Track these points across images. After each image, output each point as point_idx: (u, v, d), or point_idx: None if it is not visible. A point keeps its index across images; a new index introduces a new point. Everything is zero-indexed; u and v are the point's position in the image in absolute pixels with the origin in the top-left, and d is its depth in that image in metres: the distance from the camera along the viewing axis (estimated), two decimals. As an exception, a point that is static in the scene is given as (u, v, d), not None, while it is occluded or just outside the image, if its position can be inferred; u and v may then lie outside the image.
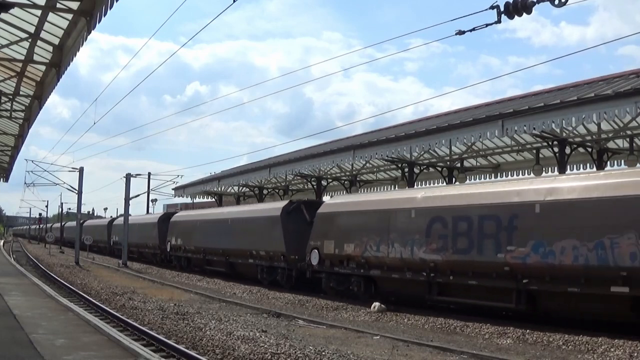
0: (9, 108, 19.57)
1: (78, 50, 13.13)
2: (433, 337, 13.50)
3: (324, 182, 33.53)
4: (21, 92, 17.93)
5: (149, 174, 52.02)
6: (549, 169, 23.69)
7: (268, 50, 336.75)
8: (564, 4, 7.89)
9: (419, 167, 26.75)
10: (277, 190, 39.36)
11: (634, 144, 20.91)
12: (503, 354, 11.40)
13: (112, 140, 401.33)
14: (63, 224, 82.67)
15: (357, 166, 30.28)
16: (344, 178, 33.04)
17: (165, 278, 29.84)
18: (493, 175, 27.05)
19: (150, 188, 50.84)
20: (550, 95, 20.13)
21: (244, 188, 39.25)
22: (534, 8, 8.17)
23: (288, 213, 23.78)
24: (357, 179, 32.18)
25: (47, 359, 8.80)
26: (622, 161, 22.15)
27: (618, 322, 13.16)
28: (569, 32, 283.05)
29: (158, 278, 29.59)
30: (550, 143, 20.59)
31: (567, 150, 20.67)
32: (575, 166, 23.06)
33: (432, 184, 28.27)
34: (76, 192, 41.34)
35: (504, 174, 26.66)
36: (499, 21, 8.43)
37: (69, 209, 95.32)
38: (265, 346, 11.01)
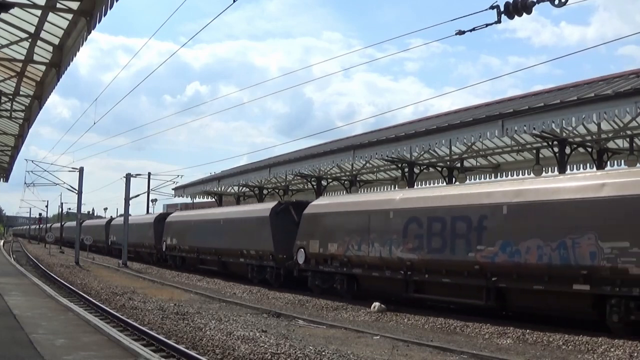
0: (9, 108, 19.57)
1: (78, 50, 13.12)
2: (433, 337, 13.50)
3: (324, 182, 33.53)
4: (21, 92, 17.93)
5: (149, 174, 52.10)
6: (549, 169, 23.68)
7: (268, 50, 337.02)
8: (564, 4, 7.89)
9: (419, 167, 26.74)
10: (277, 190, 39.36)
11: (634, 144, 20.91)
12: (503, 354, 11.40)
13: (112, 140, 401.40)
14: (62, 224, 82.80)
15: (357, 166, 30.28)
16: (344, 178, 33.04)
17: (165, 278, 29.84)
18: (493, 175, 27.05)
19: (150, 188, 50.89)
20: (550, 95, 20.13)
21: (244, 188, 39.26)
22: (534, 8, 8.17)
23: (277, 214, 24.53)
24: (357, 179, 32.19)
25: (47, 359, 8.80)
26: (622, 161, 22.16)
27: (580, 319, 13.84)
28: (569, 32, 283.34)
29: (158, 278, 29.60)
30: (550, 143, 20.59)
31: (567, 150, 20.66)
32: (575, 166, 23.06)
33: (432, 184, 28.28)
34: (76, 192, 41.35)
35: (504, 174, 26.65)
36: (499, 21, 8.43)
37: (69, 209, 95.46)
38: (265, 346, 11.01)
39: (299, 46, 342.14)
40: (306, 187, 36.21)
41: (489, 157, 26.50)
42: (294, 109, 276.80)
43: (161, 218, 39.49)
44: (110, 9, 10.54)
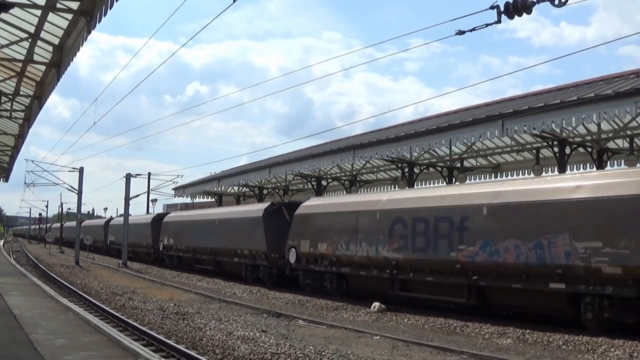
0: (9, 108, 19.56)
1: (78, 50, 13.12)
2: (433, 337, 13.50)
3: (324, 182, 33.54)
4: (21, 92, 17.93)
5: (149, 174, 52.06)
6: (549, 169, 23.69)
7: (268, 50, 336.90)
8: (564, 4, 7.89)
9: (419, 167, 26.75)
10: (277, 190, 39.36)
11: (634, 144, 20.92)
12: (503, 354, 11.40)
13: (112, 140, 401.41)
14: (62, 224, 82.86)
15: (357, 166, 30.29)
16: (344, 178, 33.05)
17: (165, 278, 29.85)
18: (493, 175, 27.06)
19: (150, 188, 50.88)
20: (550, 95, 20.13)
21: (244, 188, 39.26)
22: (534, 8, 8.17)
23: (269, 214, 25.11)
24: (357, 179, 32.19)
25: (47, 359, 8.80)
26: (622, 161, 22.16)
27: (557, 317, 14.25)
28: (569, 32, 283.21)
29: (158, 278, 29.60)
30: (550, 143, 20.59)
31: (567, 150, 20.67)
32: (575, 166, 23.07)
33: (432, 184, 28.30)
34: (76, 192, 41.34)
35: (504, 174, 26.66)
36: (499, 21, 8.43)
37: (69, 209, 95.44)
38: (265, 346, 11.01)
39: (299, 46, 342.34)
40: (306, 187, 36.21)
41: (489, 157, 26.51)
42: (294, 109, 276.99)
43: (158, 218, 40.00)
44: (110, 9, 10.55)
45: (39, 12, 11.95)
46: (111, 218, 59.89)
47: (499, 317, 15.39)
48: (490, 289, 15.30)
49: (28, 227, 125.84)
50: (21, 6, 11.35)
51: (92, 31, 11.58)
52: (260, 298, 21.49)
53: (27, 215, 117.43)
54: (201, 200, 48.46)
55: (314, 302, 19.29)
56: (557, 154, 20.41)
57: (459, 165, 26.70)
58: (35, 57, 14.47)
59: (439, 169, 27.48)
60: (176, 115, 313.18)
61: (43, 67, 15.47)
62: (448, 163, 27.06)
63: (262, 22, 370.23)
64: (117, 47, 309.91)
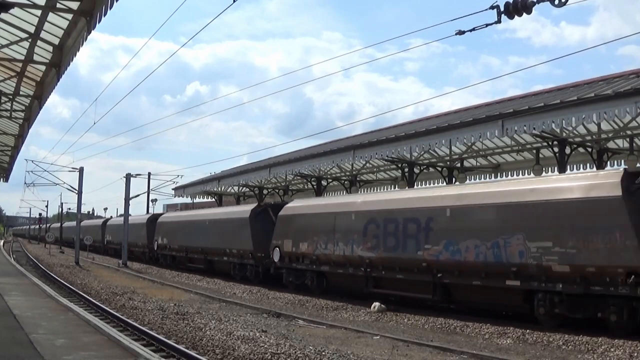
0: (9, 108, 19.55)
1: (78, 50, 13.11)
2: (433, 337, 13.51)
3: (324, 182, 33.53)
4: (21, 92, 17.91)
5: (149, 174, 52.03)
6: (549, 169, 23.67)
7: (268, 50, 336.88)
8: (564, 4, 7.88)
9: (419, 167, 26.73)
10: (277, 190, 39.35)
11: (634, 144, 20.91)
12: (503, 354, 11.41)
13: (112, 140, 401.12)
14: (62, 224, 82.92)
15: (357, 166, 30.27)
16: (344, 178, 33.03)
17: (165, 278, 29.86)
18: (493, 175, 27.04)
19: (150, 188, 50.86)
20: (550, 95, 20.11)
21: (244, 188, 39.26)
22: (534, 8, 8.16)
23: (256, 215, 26.38)
24: (357, 179, 32.18)
25: (47, 359, 8.80)
26: (622, 161, 22.15)
27: (514, 313, 15.29)
28: (569, 32, 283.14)
29: (158, 278, 29.61)
30: (550, 143, 20.57)
31: (567, 150, 20.65)
32: (575, 166, 23.06)
33: (432, 184, 28.31)
34: (76, 192, 41.32)
35: (504, 174, 26.64)
36: (499, 21, 8.43)
37: (69, 209, 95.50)
38: (265, 346, 11.01)
39: (299, 46, 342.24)
40: (306, 187, 36.19)
41: (489, 157, 26.49)
42: (294, 109, 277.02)
43: (153, 219, 41.14)
44: (110, 9, 10.53)
45: (39, 12, 11.94)
46: (108, 219, 61.37)
47: (499, 317, 15.40)
48: (453, 285, 16.23)
49: (28, 227, 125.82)
50: (21, 6, 11.34)
51: (92, 31, 11.58)
52: (260, 298, 21.49)
53: (27, 215, 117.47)
54: (201, 200, 48.45)
55: (314, 302, 19.30)
56: (557, 154, 20.39)
57: (459, 165, 26.69)
58: (35, 57, 14.46)
59: (439, 169, 27.46)
60: (176, 115, 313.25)
61: (43, 67, 15.45)
62: (448, 163, 27.04)
63: (262, 22, 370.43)
64: (117, 47, 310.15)
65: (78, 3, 11.16)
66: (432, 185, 27.25)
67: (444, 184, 26.75)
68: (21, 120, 22.03)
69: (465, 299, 16.46)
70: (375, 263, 18.47)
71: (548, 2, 7.90)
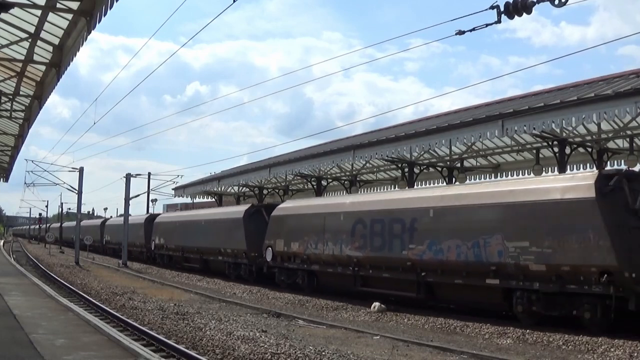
0: (9, 108, 19.54)
1: (78, 50, 13.10)
2: (433, 337, 13.51)
3: (324, 182, 33.52)
4: (21, 92, 17.91)
5: (149, 174, 52.00)
6: (549, 169, 23.66)
7: (268, 50, 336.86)
8: (564, 4, 7.88)
9: (419, 167, 26.73)
10: (277, 190, 39.34)
11: (634, 144, 20.90)
12: (503, 354, 11.41)
13: (112, 140, 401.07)
14: (62, 224, 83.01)
15: (357, 166, 30.27)
16: (344, 178, 33.03)
17: (165, 278, 29.86)
18: (493, 175, 27.03)
19: (150, 188, 50.85)
20: (550, 95, 20.11)
21: (244, 188, 39.26)
22: (534, 8, 8.16)
23: (250, 215, 26.95)
24: (357, 179, 32.18)
25: (47, 359, 8.80)
26: (622, 161, 22.15)
27: (492, 310, 15.66)
28: (569, 32, 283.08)
29: (158, 278, 29.61)
30: (550, 143, 20.57)
31: (567, 150, 20.65)
32: (575, 166, 23.05)
33: (432, 184, 28.31)
34: (76, 192, 41.31)
35: (504, 174, 26.63)
36: (499, 21, 8.43)
37: (69, 209, 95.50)
38: (265, 346, 11.01)
39: (299, 46, 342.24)
40: (306, 187, 36.18)
41: (489, 157, 26.48)
42: (294, 109, 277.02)
43: (151, 219, 41.77)
44: (110, 9, 10.53)
45: (39, 12, 11.93)
46: (107, 219, 62.61)
47: (499, 317, 15.41)
48: (436, 284, 16.76)
49: (28, 227, 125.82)
50: (21, 6, 11.34)
51: (92, 31, 11.57)
52: (260, 298, 21.50)
53: (27, 215, 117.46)
54: (201, 200, 48.45)
55: (314, 302, 19.30)
56: (557, 154, 20.39)
57: (459, 165, 26.68)
58: (35, 57, 14.45)
59: (439, 169, 27.46)
60: (176, 115, 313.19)
61: (43, 67, 15.45)
62: (448, 163, 27.04)
63: (262, 22, 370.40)
64: (117, 47, 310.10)
65: (78, 3, 11.16)
66: (482, 180, 27.02)
67: (444, 184, 26.76)
68: (21, 120, 22.02)
69: (447, 297, 17.02)
70: (363, 262, 18.98)
71: (548, 2, 7.90)
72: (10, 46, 13.95)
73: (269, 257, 23.90)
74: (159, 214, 45.08)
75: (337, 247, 20.13)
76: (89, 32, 11.67)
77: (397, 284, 17.87)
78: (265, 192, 39.32)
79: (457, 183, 25.33)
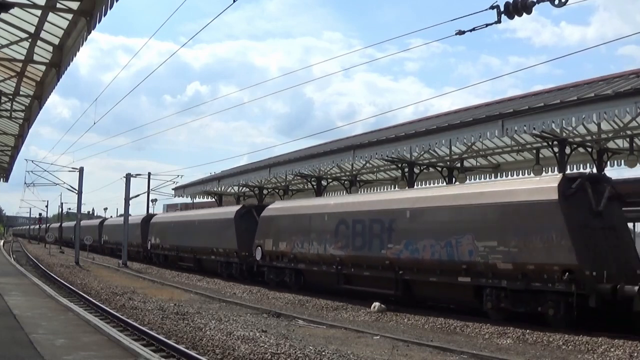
0: (9, 108, 19.55)
1: (78, 50, 13.10)
2: (433, 337, 13.51)
3: (324, 182, 33.53)
4: (21, 92, 17.91)
5: (149, 174, 51.96)
6: (549, 169, 23.67)
7: (268, 50, 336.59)
8: (564, 4, 7.89)
9: (419, 167, 26.74)
10: (277, 190, 39.35)
11: (634, 144, 20.91)
12: (503, 354, 11.41)
13: (112, 140, 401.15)
14: (62, 224, 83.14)
15: (357, 166, 30.27)
16: (344, 178, 33.03)
17: (165, 278, 29.87)
18: (493, 175, 27.04)
19: (150, 188, 50.85)
20: (550, 95, 20.12)
21: (244, 188, 39.27)
22: (534, 8, 8.17)
23: (241, 216, 27.87)
24: (357, 179, 32.19)
25: (47, 359, 8.80)
26: (622, 161, 22.15)
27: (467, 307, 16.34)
28: (569, 32, 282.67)
29: (158, 278, 29.62)
30: (550, 143, 20.57)
31: (567, 150, 20.65)
32: (575, 166, 23.06)
33: (432, 184, 28.32)
34: (76, 192, 41.32)
35: (504, 174, 26.64)
36: (499, 21, 8.43)
37: (69, 209, 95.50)
38: (265, 346, 11.01)
39: (299, 46, 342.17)
40: (306, 187, 36.19)
41: (489, 157, 26.49)
42: (294, 109, 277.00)
43: (147, 219, 42.77)
44: (110, 9, 10.53)
45: (39, 12, 11.94)
46: (105, 219, 64.17)
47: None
48: (413, 282, 17.50)
49: (28, 227, 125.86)
50: (21, 6, 11.34)
51: (92, 31, 11.58)
52: (260, 298, 21.51)
53: (27, 215, 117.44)
54: (201, 200, 48.45)
55: (314, 302, 19.31)
56: (557, 154, 20.39)
57: (459, 165, 26.69)
58: (35, 57, 14.45)
59: (439, 169, 27.47)
60: (176, 115, 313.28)
61: (43, 67, 15.45)
62: (448, 163, 27.04)
63: (262, 22, 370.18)
64: (117, 47, 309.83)
65: (78, 3, 11.16)
66: (482, 180, 27.26)
67: (444, 184, 26.78)
68: (21, 120, 22.03)
69: (423, 294, 17.75)
70: (345, 261, 19.78)
71: (548, 2, 7.91)
72: (10, 46, 13.95)
73: (258, 257, 24.65)
74: (155, 214, 46.12)
75: (321, 246, 20.91)
76: (89, 32, 11.67)
77: (377, 281, 18.56)
78: (265, 192, 39.33)
79: (456, 183, 25.36)
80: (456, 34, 9.59)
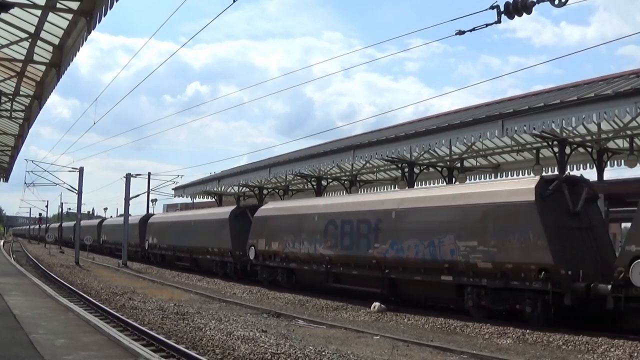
0: (9, 108, 19.55)
1: (78, 50, 13.10)
2: (433, 337, 13.51)
3: (324, 182, 33.54)
4: (21, 92, 17.91)
5: (149, 174, 51.93)
6: (549, 169, 23.67)
7: (268, 50, 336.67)
8: (564, 4, 7.89)
9: (419, 167, 26.74)
10: (277, 190, 39.35)
11: (634, 144, 20.91)
12: (503, 354, 11.41)
13: (112, 140, 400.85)
14: (62, 224, 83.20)
15: (357, 166, 30.29)
16: (344, 178, 33.04)
17: (165, 278, 29.87)
18: (493, 175, 27.05)
19: (150, 188, 50.84)
20: (550, 95, 20.13)
21: (244, 188, 39.27)
22: (534, 8, 8.17)
23: (235, 216, 28.46)
24: (357, 179, 32.19)
25: (47, 359, 8.80)
26: (622, 161, 22.16)
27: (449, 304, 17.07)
28: (569, 32, 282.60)
29: (158, 278, 29.61)
30: (550, 143, 20.58)
31: (567, 150, 20.66)
32: (575, 166, 23.06)
33: (432, 184, 28.33)
34: (76, 192, 41.31)
35: (504, 174, 26.66)
36: (499, 21, 8.44)
37: (69, 209, 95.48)
38: (265, 346, 11.01)
39: (299, 46, 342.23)
40: (306, 187, 36.20)
41: (489, 157, 26.50)
42: (294, 109, 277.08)
43: (145, 219, 43.34)
44: (110, 9, 10.53)
45: (39, 12, 11.94)
46: (103, 219, 64.82)
47: (499, 317, 15.41)
48: (399, 280, 17.95)
49: (28, 227, 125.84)
50: (21, 6, 11.34)
51: (92, 31, 11.58)
52: (260, 298, 21.51)
53: (27, 215, 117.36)
54: (201, 200, 48.45)
55: (314, 302, 19.31)
56: (557, 154, 20.40)
57: (459, 165, 26.70)
58: (35, 57, 14.45)
59: (439, 169, 27.48)
60: (176, 115, 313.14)
61: (43, 67, 15.45)
62: (448, 163, 27.05)
63: (262, 22, 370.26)
64: (117, 47, 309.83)
65: (78, 3, 11.16)
66: (483, 180, 27.45)
67: (444, 184, 26.79)
68: (21, 120, 22.03)
69: (408, 293, 18.20)
70: (334, 260, 20.30)
71: (548, 2, 7.91)
72: (10, 46, 13.95)
73: (251, 256, 25.11)
74: (152, 215, 46.68)
75: (312, 246, 21.38)
76: (89, 32, 11.67)
77: (365, 280, 19.07)
78: (265, 192, 39.33)
79: (456, 183, 25.37)
80: (456, 34, 9.59)
